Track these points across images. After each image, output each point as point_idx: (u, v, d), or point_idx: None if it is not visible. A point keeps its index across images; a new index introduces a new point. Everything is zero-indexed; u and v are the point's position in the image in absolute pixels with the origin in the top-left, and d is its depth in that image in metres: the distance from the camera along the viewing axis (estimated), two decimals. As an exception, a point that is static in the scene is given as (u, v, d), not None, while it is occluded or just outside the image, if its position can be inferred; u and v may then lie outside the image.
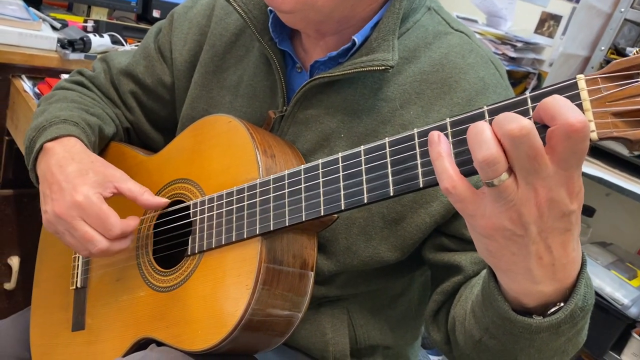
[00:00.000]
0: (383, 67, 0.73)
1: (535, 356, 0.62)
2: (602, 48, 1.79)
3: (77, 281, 0.92)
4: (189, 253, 0.77)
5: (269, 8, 0.81)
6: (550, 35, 2.28)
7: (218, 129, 0.80)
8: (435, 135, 0.51)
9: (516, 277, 0.54)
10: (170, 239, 0.82)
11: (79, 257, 0.93)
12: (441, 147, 0.51)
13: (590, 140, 0.46)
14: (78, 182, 0.77)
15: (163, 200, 0.80)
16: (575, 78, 0.49)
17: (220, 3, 0.92)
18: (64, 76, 1.40)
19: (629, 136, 0.47)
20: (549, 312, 0.56)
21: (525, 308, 0.57)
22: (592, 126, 0.47)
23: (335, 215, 0.72)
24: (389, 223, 0.78)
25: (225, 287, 0.71)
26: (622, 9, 1.75)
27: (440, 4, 0.86)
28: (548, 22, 2.30)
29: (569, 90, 0.48)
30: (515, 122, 0.45)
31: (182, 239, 0.80)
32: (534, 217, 0.48)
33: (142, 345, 0.79)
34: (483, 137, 0.47)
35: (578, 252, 0.54)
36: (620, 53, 1.79)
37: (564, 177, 0.47)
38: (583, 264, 0.55)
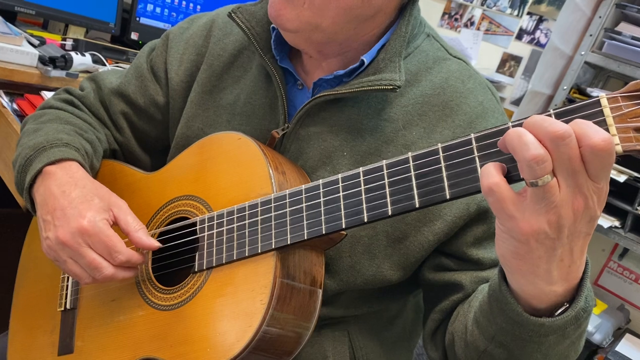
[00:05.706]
0: (391, 87, 0.74)
1: None
2: (565, 87, 1.90)
3: (65, 302, 0.88)
4: (195, 270, 0.75)
5: (272, 26, 0.83)
6: (511, 75, 2.39)
7: (226, 146, 0.79)
8: None
9: (535, 279, 0.56)
10: (170, 257, 0.80)
11: (68, 277, 0.89)
12: None
13: (616, 153, 0.49)
14: (83, 208, 0.75)
15: (155, 243, 0.77)
16: (597, 97, 0.52)
17: (219, 24, 0.93)
18: (44, 93, 1.37)
19: None
20: (556, 314, 0.58)
21: (535, 310, 0.59)
22: (617, 140, 0.50)
23: (344, 233, 0.72)
24: (393, 241, 0.78)
25: (236, 303, 0.69)
26: (583, 52, 1.86)
27: (437, 32, 0.89)
28: (509, 63, 2.41)
29: (592, 107, 0.51)
30: (559, 124, 0.48)
31: (184, 256, 0.79)
32: (569, 221, 0.50)
33: (140, 366, 0.76)
34: (527, 139, 0.48)
35: (585, 254, 0.57)
36: (583, 92, 1.89)
37: (596, 187, 0.50)
38: (586, 264, 0.58)
